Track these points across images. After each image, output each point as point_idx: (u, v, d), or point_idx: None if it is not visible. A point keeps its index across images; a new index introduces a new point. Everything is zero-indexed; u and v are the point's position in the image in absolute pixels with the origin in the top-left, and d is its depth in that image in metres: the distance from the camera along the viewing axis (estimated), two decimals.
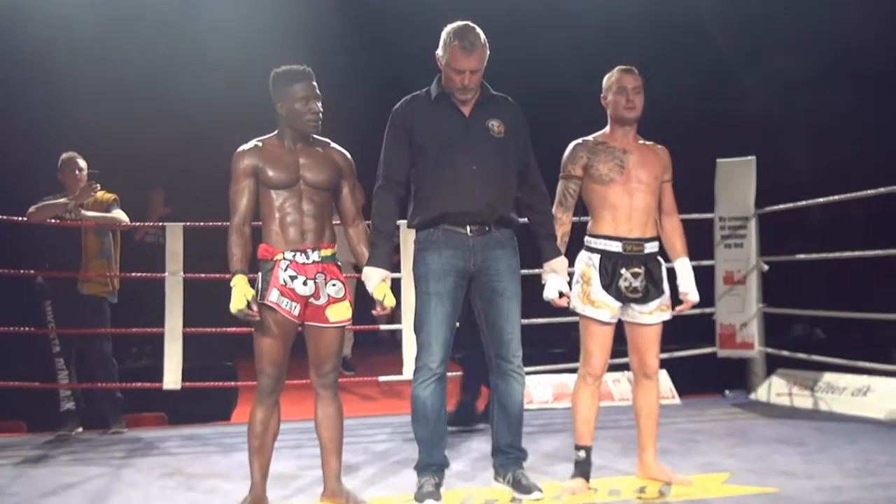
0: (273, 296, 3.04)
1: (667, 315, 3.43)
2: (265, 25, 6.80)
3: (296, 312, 3.07)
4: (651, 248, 3.39)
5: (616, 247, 3.35)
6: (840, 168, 6.94)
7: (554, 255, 3.36)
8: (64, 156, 5.11)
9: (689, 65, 7.56)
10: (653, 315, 3.39)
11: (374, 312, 3.25)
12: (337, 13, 7.48)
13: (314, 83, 3.13)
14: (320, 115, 3.13)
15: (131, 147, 7.20)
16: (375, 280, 3.19)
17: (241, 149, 3.13)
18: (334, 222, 3.24)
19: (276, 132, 3.18)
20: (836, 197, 5.32)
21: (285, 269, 3.06)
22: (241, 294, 2.96)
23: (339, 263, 3.20)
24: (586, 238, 3.42)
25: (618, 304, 3.35)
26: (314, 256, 3.09)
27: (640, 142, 3.46)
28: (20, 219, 4.99)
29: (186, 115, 7.30)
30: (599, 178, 3.37)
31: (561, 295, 3.35)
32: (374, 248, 3.24)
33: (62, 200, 4.98)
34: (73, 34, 6.68)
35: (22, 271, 5.10)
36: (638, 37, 6.98)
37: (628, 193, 3.35)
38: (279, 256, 3.06)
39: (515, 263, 3.34)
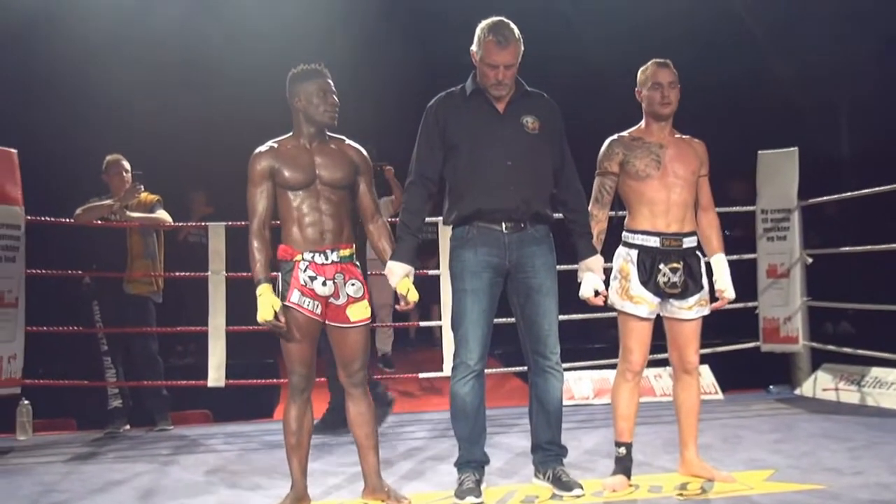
0: (294, 297, 3.07)
1: (706, 310, 3.39)
2: (310, 25, 6.86)
3: (318, 311, 3.09)
4: (689, 242, 3.36)
5: (654, 242, 3.32)
6: (883, 154, 6.80)
7: (590, 254, 3.34)
8: (109, 158, 5.21)
9: (726, 53, 7.45)
10: (692, 310, 3.36)
11: (397, 307, 3.27)
12: (382, 6, 7.52)
13: (330, 81, 3.16)
14: (337, 107, 3.16)
15: (174, 148, 7.32)
16: (399, 275, 3.21)
17: (257, 151, 3.15)
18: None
19: (291, 133, 3.20)
20: (881, 188, 5.20)
21: (304, 270, 3.08)
22: (268, 304, 3.02)
23: (358, 263, 3.22)
24: (624, 234, 3.40)
25: (656, 300, 3.32)
26: (333, 257, 3.11)
27: (677, 136, 3.43)
28: (67, 220, 5.11)
29: (229, 114, 7.39)
30: (636, 174, 3.34)
31: (597, 294, 3.33)
32: (400, 243, 3.26)
33: (108, 202, 5.07)
34: (118, 34, 6.80)
35: (70, 272, 5.21)
36: (672, 28, 6.91)
37: (666, 188, 3.32)
38: (298, 257, 3.09)
39: (552, 260, 3.33)
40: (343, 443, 4.30)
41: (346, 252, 3.15)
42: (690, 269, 3.34)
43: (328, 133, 3.21)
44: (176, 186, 6.38)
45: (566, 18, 7.47)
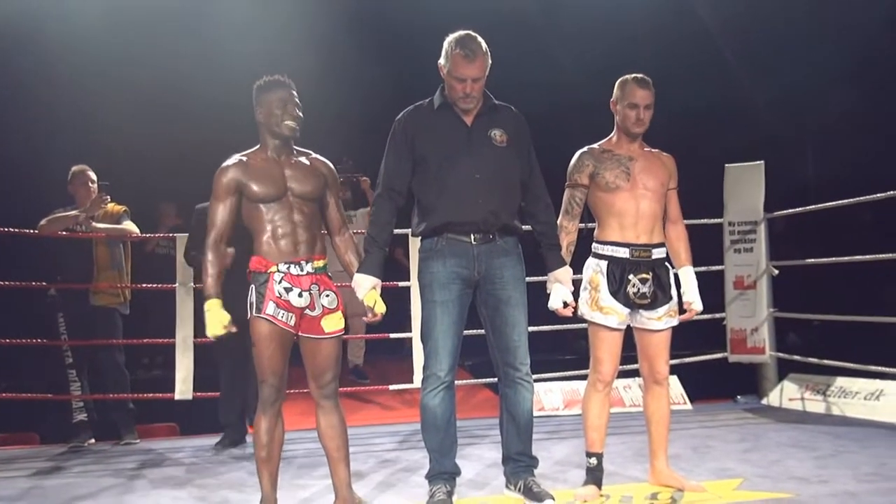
0: (270, 308, 3.05)
1: (675, 321, 3.43)
2: (278, 37, 6.84)
3: (292, 323, 3.08)
4: (658, 253, 3.39)
5: (624, 253, 3.35)
6: (848, 171, 6.92)
7: (558, 266, 3.36)
8: (74, 168, 5.14)
9: (697, 71, 7.55)
10: (661, 321, 3.39)
11: (364, 319, 3.27)
12: (351, 24, 7.52)
13: (294, 92, 3.15)
14: (299, 120, 3.13)
15: (143, 159, 7.25)
16: (366, 287, 3.21)
17: (224, 164, 3.13)
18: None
19: (258, 146, 3.18)
20: (846, 201, 5.30)
21: (280, 282, 3.06)
22: (216, 321, 3.02)
23: (330, 274, 3.20)
24: (594, 245, 3.43)
25: (626, 311, 3.35)
26: (308, 268, 3.10)
27: (646, 149, 3.47)
28: (31, 231, 5.03)
29: (198, 125, 7.33)
30: (606, 186, 3.37)
31: (565, 305, 3.35)
32: (367, 256, 3.26)
33: (73, 213, 5.01)
34: (83, 46, 6.72)
35: (34, 283, 5.13)
36: (646, 45, 6.99)
37: (635, 200, 3.35)
38: (273, 269, 3.07)
39: (520, 271, 3.34)
40: (314, 455, 4.27)
41: (321, 263, 3.14)
42: (660, 279, 3.37)
43: (294, 147, 3.20)
44: (146, 198, 6.32)
45: (538, 34, 7.53)
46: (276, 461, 3.16)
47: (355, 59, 7.53)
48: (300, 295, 3.07)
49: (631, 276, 3.34)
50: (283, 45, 6.72)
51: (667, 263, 3.43)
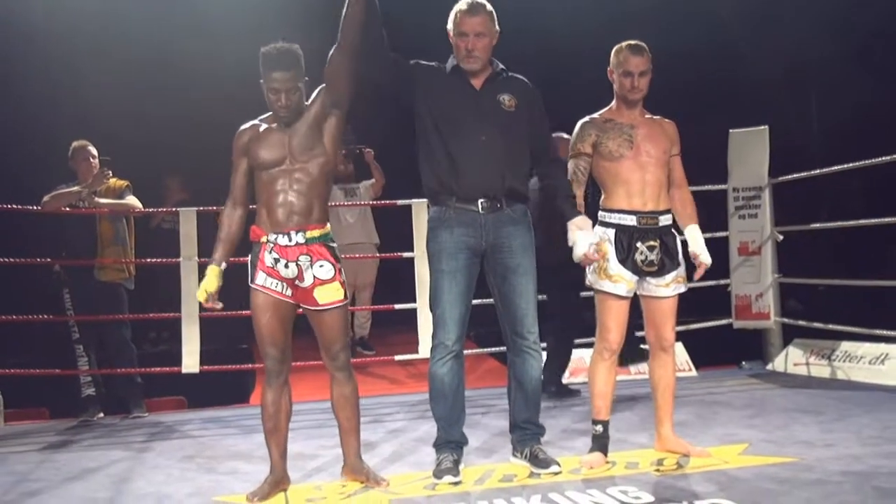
0: (259, 279, 3.06)
1: (683, 288, 3.42)
2: (278, 4, 6.77)
3: (288, 293, 3.07)
4: (665, 220, 3.38)
5: (631, 220, 3.34)
6: (851, 134, 6.87)
7: (575, 215, 3.32)
8: (75, 144, 5.13)
9: (696, 34, 7.47)
10: (669, 287, 3.38)
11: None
12: None
13: (293, 71, 3.01)
14: (290, 108, 3.04)
15: (148, 133, 7.22)
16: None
17: (240, 128, 3.15)
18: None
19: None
20: (850, 165, 5.27)
21: (270, 252, 3.06)
22: (203, 287, 3.06)
23: (333, 245, 3.15)
24: (600, 213, 3.41)
25: (634, 278, 3.34)
26: (297, 238, 3.06)
27: (647, 116, 3.45)
28: (35, 208, 5.03)
29: (200, 98, 7.29)
30: (609, 155, 3.36)
31: (591, 250, 3.27)
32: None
33: (75, 188, 5.00)
34: (81, 20, 6.67)
35: (39, 260, 5.14)
36: (641, 8, 6.91)
37: (639, 167, 3.34)
38: (265, 239, 3.07)
39: (529, 240, 3.33)
40: (324, 425, 4.30)
41: (316, 233, 3.09)
42: (667, 246, 3.36)
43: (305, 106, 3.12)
44: (151, 172, 6.30)
45: (536, 5, 7.44)
46: (284, 432, 3.17)
47: None
48: (286, 266, 3.05)
49: (639, 244, 3.33)
50: (283, 15, 6.66)
51: (674, 230, 3.42)
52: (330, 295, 3.10)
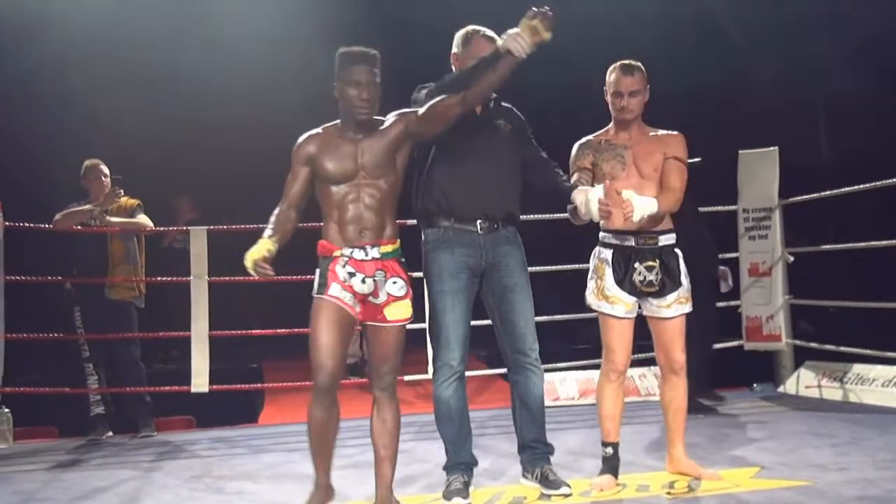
0: (334, 290, 2.94)
1: (687, 308, 3.37)
2: (289, 25, 6.81)
3: (357, 309, 2.98)
4: (666, 240, 3.34)
5: (630, 241, 3.32)
6: (861, 155, 6.86)
7: (574, 188, 3.27)
8: (87, 162, 5.16)
9: (706, 58, 7.49)
10: (671, 308, 3.34)
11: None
12: (362, 8, 7.50)
13: (375, 70, 2.98)
14: (371, 102, 2.97)
15: (160, 152, 7.27)
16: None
17: (302, 136, 3.05)
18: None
19: (339, 120, 3.06)
20: (860, 186, 5.26)
21: (344, 266, 2.96)
22: (262, 248, 2.91)
23: (403, 261, 3.07)
24: (600, 234, 3.40)
25: (632, 299, 3.32)
26: (373, 253, 2.98)
27: (652, 133, 3.38)
28: (47, 226, 5.05)
29: (212, 116, 7.33)
30: (604, 177, 3.33)
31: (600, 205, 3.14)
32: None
33: (87, 207, 5.03)
34: (94, 39, 6.73)
35: (50, 278, 5.16)
36: (651, 31, 6.94)
37: (635, 188, 3.24)
38: (337, 253, 2.96)
39: (523, 258, 3.39)
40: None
41: (389, 248, 3.01)
42: (667, 267, 3.33)
43: (375, 118, 3.03)
44: (162, 191, 6.33)
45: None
46: (331, 450, 3.03)
47: (368, 43, 7.50)
48: (363, 281, 2.96)
49: (637, 264, 3.31)
50: (291, 32, 6.71)
51: (676, 250, 3.38)
52: (400, 312, 3.02)
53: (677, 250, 3.38)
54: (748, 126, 7.22)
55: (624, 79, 3.31)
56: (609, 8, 7.17)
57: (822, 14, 7.03)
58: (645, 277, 3.30)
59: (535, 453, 3.38)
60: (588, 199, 3.16)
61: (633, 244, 3.31)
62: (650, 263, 3.31)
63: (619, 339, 3.35)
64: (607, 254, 3.35)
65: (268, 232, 2.99)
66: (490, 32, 3.28)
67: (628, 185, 3.26)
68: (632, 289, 3.31)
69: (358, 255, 2.97)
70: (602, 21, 7.19)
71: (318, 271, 3.00)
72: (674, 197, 3.30)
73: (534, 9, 2.89)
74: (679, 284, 3.35)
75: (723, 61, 7.74)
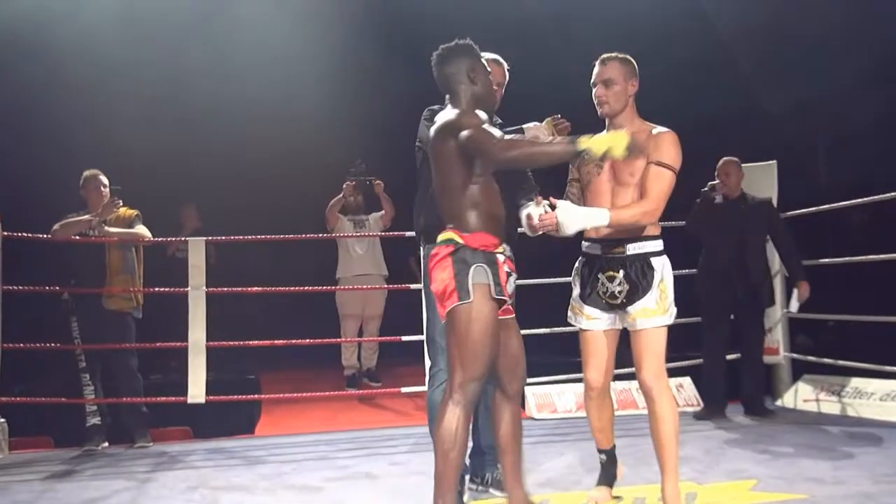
0: (510, 288, 2.82)
1: (657, 320, 3.02)
2: (293, 36, 6.83)
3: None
4: (635, 249, 3.06)
5: (597, 250, 3.13)
6: (862, 173, 6.87)
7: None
8: (86, 173, 5.17)
9: (706, 69, 7.51)
10: (636, 321, 3.04)
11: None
12: (364, 26, 7.52)
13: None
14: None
15: (162, 163, 7.27)
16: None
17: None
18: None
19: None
20: (859, 200, 5.27)
21: (503, 263, 2.82)
22: (617, 138, 2.59)
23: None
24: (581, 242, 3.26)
25: (596, 311, 3.13)
26: (508, 251, 2.90)
27: (644, 132, 3.06)
28: (45, 236, 5.05)
29: (214, 126, 7.34)
30: (582, 181, 3.20)
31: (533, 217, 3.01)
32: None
33: (86, 217, 5.03)
34: (96, 49, 6.74)
35: (48, 288, 5.16)
36: (655, 50, 6.95)
37: (608, 192, 3.08)
38: (500, 250, 2.81)
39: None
40: (327, 457, 4.26)
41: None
42: (632, 277, 3.05)
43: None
44: (163, 202, 6.33)
45: (548, 40, 7.50)
46: (462, 461, 2.85)
47: (367, 61, 7.52)
48: (515, 281, 2.88)
49: (600, 275, 3.10)
50: (297, 44, 6.73)
51: (650, 259, 3.06)
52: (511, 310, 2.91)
53: (656, 259, 3.07)
54: (747, 140, 7.23)
55: (598, 68, 3.12)
56: (612, 29, 7.19)
57: (826, 29, 7.03)
58: (608, 289, 3.08)
59: (486, 458, 3.43)
60: (525, 214, 3.10)
61: (600, 253, 3.11)
62: (611, 273, 3.06)
63: (590, 353, 3.16)
64: (579, 264, 3.22)
65: (574, 143, 2.66)
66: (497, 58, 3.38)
67: (601, 193, 3.09)
68: (596, 301, 3.13)
69: (509, 252, 2.87)
70: (606, 44, 7.21)
71: (483, 266, 2.74)
72: (649, 206, 3.00)
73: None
74: (644, 294, 3.03)
75: (723, 74, 7.76)
